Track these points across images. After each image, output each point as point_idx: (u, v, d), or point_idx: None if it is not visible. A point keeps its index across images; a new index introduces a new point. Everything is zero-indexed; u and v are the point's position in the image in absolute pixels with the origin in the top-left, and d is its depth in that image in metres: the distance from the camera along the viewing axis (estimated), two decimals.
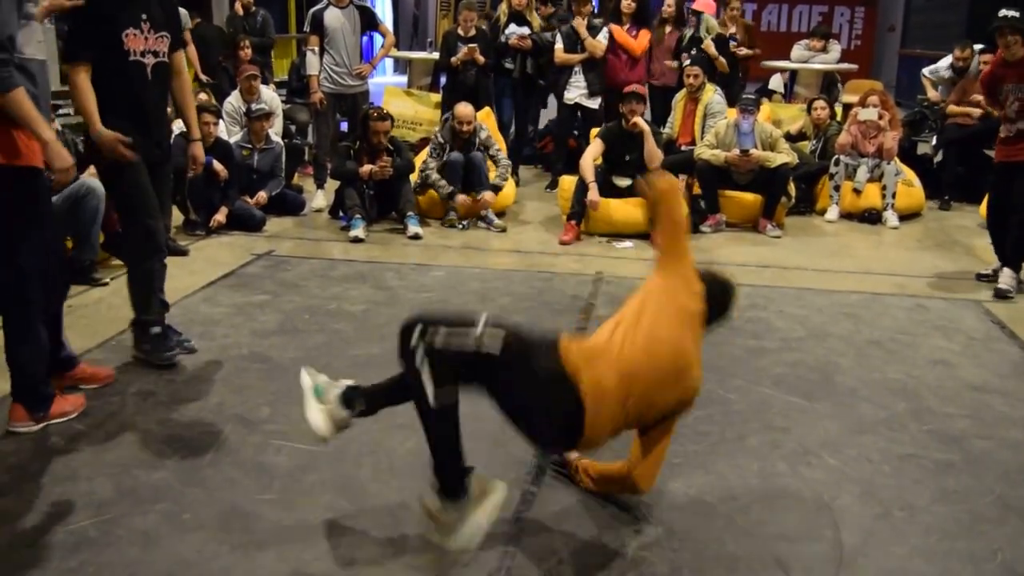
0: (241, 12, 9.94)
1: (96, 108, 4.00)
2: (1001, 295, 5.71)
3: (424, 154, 7.65)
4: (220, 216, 6.81)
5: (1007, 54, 5.64)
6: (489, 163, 7.50)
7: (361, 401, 2.96)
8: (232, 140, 7.35)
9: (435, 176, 7.28)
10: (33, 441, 3.54)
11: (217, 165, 6.80)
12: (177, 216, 6.84)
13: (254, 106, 7.52)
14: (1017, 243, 5.77)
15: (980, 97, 7.36)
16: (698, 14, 8.98)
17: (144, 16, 4.08)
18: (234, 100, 7.90)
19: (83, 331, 4.65)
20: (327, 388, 2.99)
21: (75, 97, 4.07)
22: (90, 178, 5.24)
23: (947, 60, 9.20)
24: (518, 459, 3.47)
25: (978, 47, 8.59)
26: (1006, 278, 5.79)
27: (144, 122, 4.17)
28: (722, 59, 8.70)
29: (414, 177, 7.35)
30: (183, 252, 6.22)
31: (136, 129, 4.10)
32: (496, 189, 7.31)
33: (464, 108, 7.40)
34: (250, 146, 7.35)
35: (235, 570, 2.77)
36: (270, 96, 8.13)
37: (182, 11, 8.92)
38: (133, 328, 4.40)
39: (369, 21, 7.79)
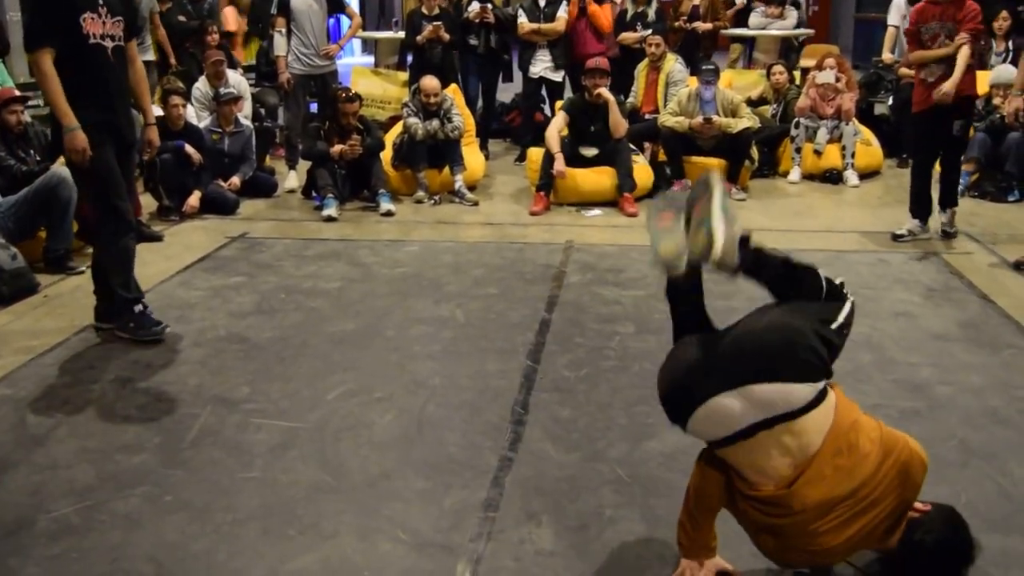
0: None
1: (66, 101, 4.05)
2: (947, 236, 6.07)
3: (398, 128, 7.69)
4: (193, 201, 6.80)
5: None
6: (466, 142, 7.65)
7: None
8: (202, 125, 7.35)
9: (412, 120, 7.30)
10: (12, 431, 3.57)
11: (190, 149, 6.81)
12: (150, 202, 6.86)
13: (222, 90, 7.52)
14: (951, 185, 6.02)
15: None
16: None
17: (100, 1, 4.17)
18: (202, 85, 7.86)
19: (60, 319, 4.69)
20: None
21: (44, 86, 4.12)
22: (61, 168, 5.24)
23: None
24: (496, 426, 3.57)
25: None
26: (946, 217, 6.09)
27: (111, 105, 4.25)
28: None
29: (392, 136, 7.40)
30: (158, 238, 6.21)
31: (104, 112, 4.19)
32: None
33: (430, 80, 7.45)
34: (220, 130, 7.35)
35: (218, 549, 2.82)
36: (237, 80, 8.12)
37: None
38: (113, 309, 4.44)
39: (335, 3, 7.82)
